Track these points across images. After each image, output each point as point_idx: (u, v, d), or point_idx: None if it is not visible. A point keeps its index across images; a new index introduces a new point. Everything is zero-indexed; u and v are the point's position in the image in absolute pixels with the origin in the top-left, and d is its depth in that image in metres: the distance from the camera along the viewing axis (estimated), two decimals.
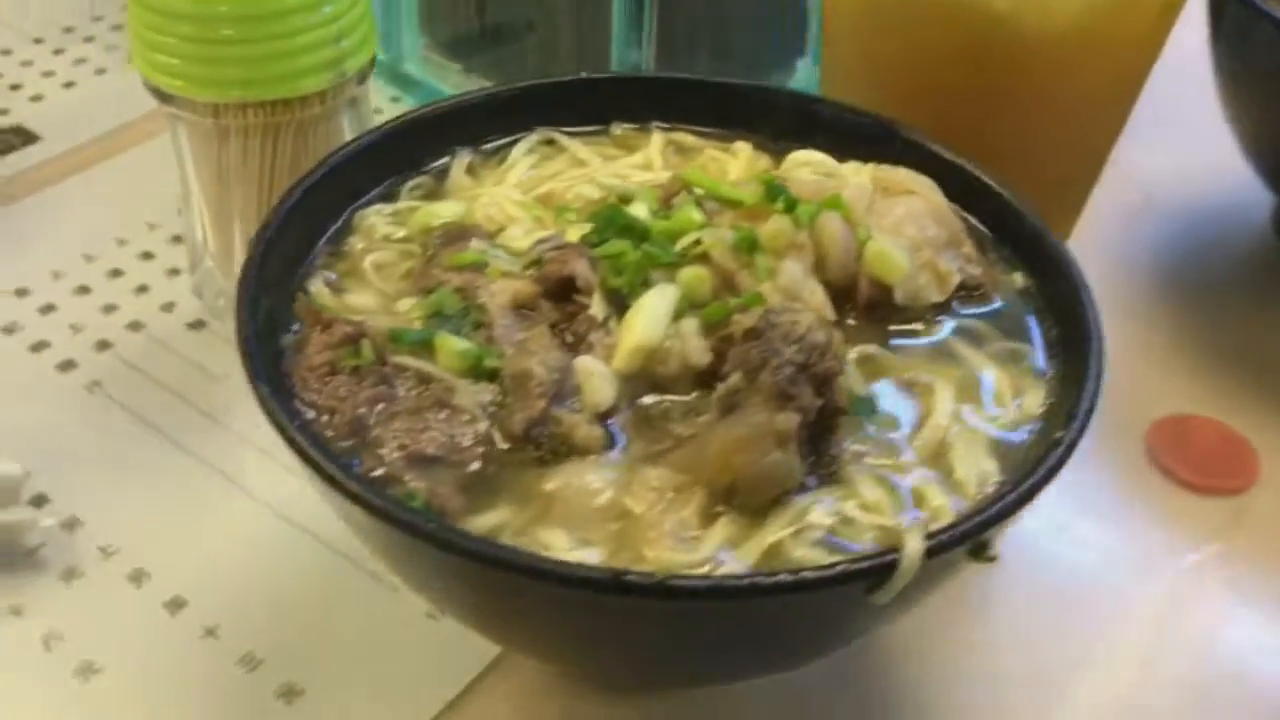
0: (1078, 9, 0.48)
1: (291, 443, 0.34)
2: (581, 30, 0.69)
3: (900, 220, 0.44)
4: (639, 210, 0.44)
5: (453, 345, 0.39)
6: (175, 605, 0.50)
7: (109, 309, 0.64)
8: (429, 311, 0.40)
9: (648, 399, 0.39)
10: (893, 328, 0.43)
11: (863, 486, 0.36)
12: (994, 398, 0.40)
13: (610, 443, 0.38)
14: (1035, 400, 0.40)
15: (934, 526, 0.33)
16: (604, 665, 0.38)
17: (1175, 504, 0.56)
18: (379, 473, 0.36)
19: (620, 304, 0.41)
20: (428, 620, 0.50)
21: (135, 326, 0.63)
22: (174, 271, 0.66)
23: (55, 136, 0.75)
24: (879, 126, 0.48)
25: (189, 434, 0.58)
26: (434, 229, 0.45)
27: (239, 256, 0.58)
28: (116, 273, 0.66)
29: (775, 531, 0.35)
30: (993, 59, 0.50)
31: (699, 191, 0.45)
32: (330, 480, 0.33)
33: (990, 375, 0.41)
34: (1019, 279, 0.45)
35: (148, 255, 0.68)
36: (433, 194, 0.49)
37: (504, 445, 0.37)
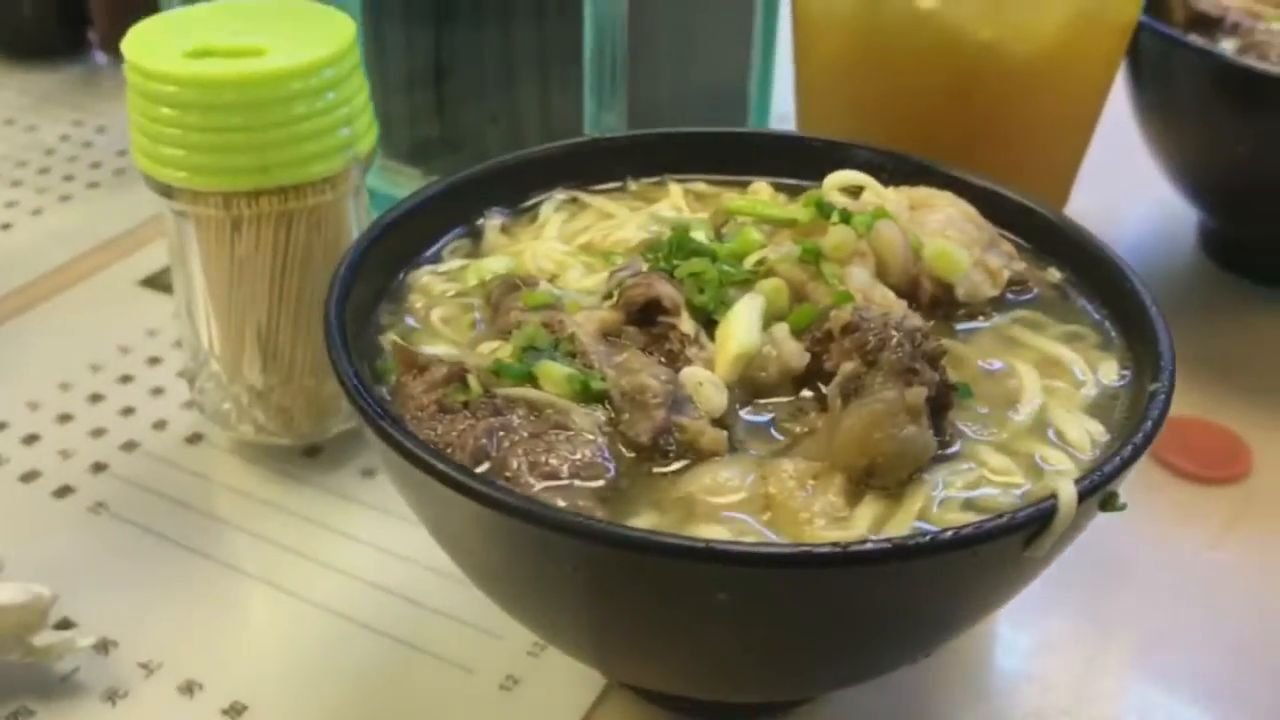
0: (1056, 31, 0.53)
1: (429, 469, 0.34)
2: (549, 118, 0.71)
3: (942, 225, 0.46)
4: (701, 235, 0.45)
5: (557, 371, 0.39)
6: (235, 711, 0.48)
7: (97, 433, 0.62)
8: (521, 345, 0.40)
9: (755, 404, 0.40)
10: (957, 325, 0.45)
11: (987, 456, 0.38)
12: (1072, 372, 0.42)
13: (733, 445, 0.38)
14: (1110, 370, 0.42)
15: (1075, 476, 0.35)
16: (748, 666, 0.38)
17: (1185, 495, 0.59)
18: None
19: (704, 321, 0.42)
20: (502, 692, 0.49)
21: (129, 447, 0.61)
22: (158, 390, 0.65)
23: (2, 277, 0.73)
24: (893, 158, 0.50)
25: (207, 542, 0.56)
26: (489, 281, 0.46)
27: (249, 356, 0.57)
28: (97, 397, 0.64)
29: (919, 502, 0.35)
30: (980, 87, 0.54)
31: (746, 219, 0.46)
32: (487, 498, 0.33)
33: (1062, 354, 0.43)
34: (1054, 273, 0.47)
35: (126, 378, 0.66)
36: (473, 254, 0.49)
37: (630, 457, 0.37)
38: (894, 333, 0.37)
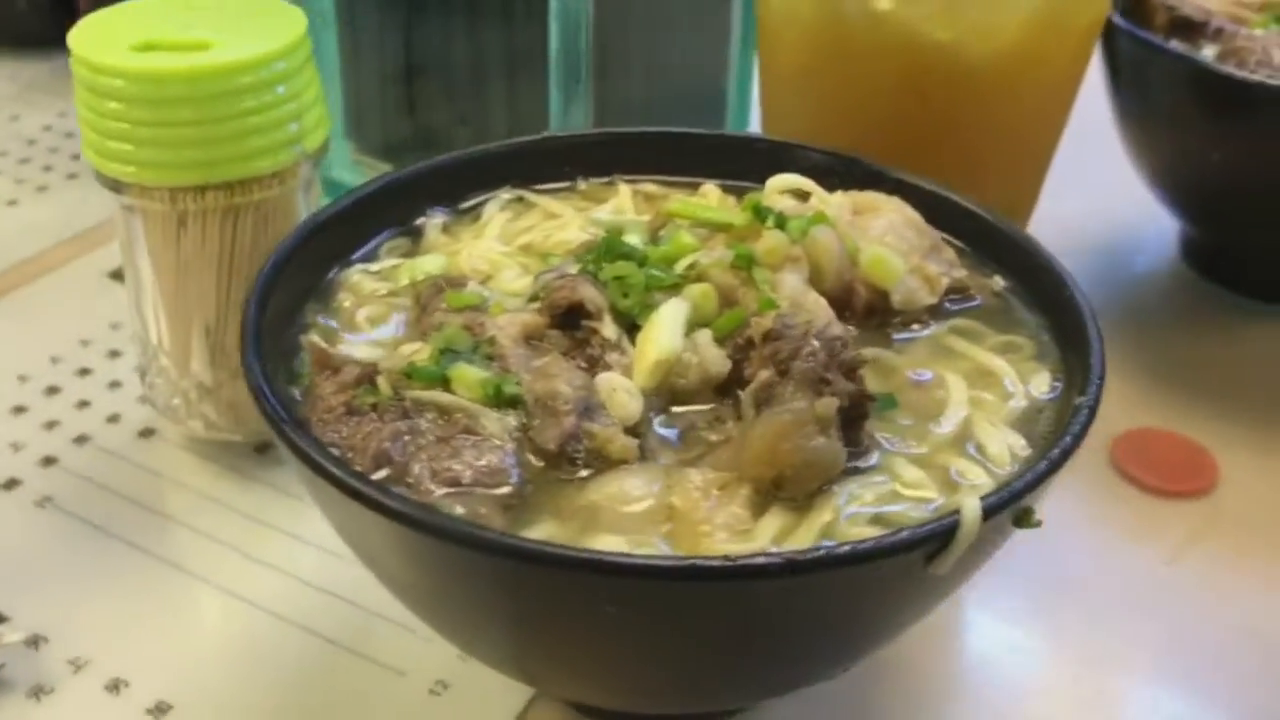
0: (1015, 32, 0.52)
1: (325, 474, 0.33)
2: (517, 118, 0.71)
3: (883, 231, 0.45)
4: (633, 239, 0.44)
5: (471, 375, 0.38)
6: (159, 711, 0.47)
7: (50, 425, 0.61)
8: (440, 347, 0.39)
9: (672, 411, 0.39)
10: (892, 332, 0.44)
11: (901, 469, 0.37)
12: (1003, 384, 0.41)
13: (644, 453, 0.37)
14: (1042, 381, 0.41)
15: (985, 491, 0.34)
16: (655, 680, 0.37)
17: (1146, 509, 0.58)
18: (415, 502, 0.35)
19: (628, 326, 0.41)
20: (431, 697, 0.48)
21: (81, 440, 0.61)
22: (115, 384, 0.64)
23: None
24: (842, 161, 0.49)
25: (151, 538, 0.55)
26: (422, 281, 0.45)
27: (197, 352, 0.56)
28: (53, 390, 0.64)
29: (826, 515, 0.35)
30: (938, 87, 0.53)
31: (684, 222, 0.46)
32: (377, 504, 0.32)
33: (995, 364, 0.42)
34: (998, 281, 0.46)
35: (84, 371, 0.65)
36: (411, 253, 0.48)
37: (539, 464, 0.37)
38: (813, 342, 0.37)
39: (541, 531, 0.35)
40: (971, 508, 0.32)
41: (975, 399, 0.40)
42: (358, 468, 0.36)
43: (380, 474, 0.35)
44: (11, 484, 0.58)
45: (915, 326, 0.44)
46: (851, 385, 0.36)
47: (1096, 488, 0.59)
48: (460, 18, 0.70)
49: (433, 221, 0.50)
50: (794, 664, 0.37)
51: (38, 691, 0.48)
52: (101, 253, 0.76)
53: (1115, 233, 0.79)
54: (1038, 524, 0.35)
